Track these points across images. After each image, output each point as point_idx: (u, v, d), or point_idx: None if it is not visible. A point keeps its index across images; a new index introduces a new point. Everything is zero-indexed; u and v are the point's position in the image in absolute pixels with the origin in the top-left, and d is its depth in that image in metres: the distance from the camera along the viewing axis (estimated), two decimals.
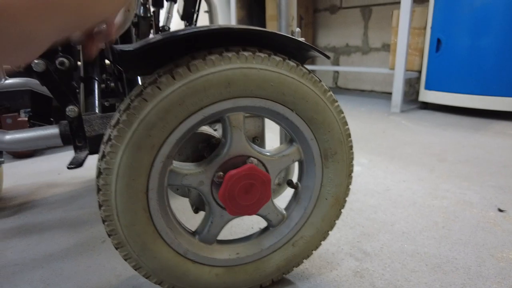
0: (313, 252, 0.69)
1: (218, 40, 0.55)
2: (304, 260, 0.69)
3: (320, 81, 0.60)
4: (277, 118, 0.60)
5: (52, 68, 0.56)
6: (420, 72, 2.65)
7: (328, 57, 0.61)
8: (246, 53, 0.53)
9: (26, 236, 0.92)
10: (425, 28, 2.54)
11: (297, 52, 0.62)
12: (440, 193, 1.13)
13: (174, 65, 0.51)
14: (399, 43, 2.42)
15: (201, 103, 0.52)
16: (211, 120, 0.58)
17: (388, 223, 0.94)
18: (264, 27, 3.57)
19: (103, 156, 0.51)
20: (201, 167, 0.58)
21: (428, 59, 2.48)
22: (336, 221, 0.68)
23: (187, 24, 2.40)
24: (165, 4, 2.08)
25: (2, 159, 1.16)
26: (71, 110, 0.59)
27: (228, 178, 0.56)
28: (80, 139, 0.61)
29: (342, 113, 0.63)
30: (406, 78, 2.51)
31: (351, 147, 0.65)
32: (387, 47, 3.35)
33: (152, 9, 2.14)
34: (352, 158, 0.65)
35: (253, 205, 0.60)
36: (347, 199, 0.68)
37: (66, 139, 0.63)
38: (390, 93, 3.35)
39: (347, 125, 0.64)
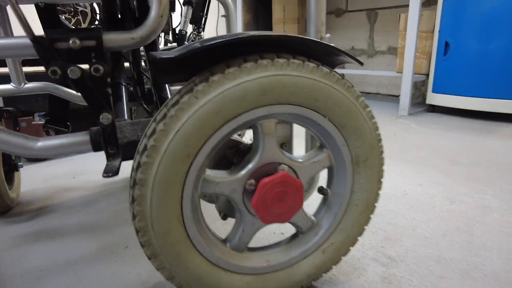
0: (342, 258, 0.69)
1: (250, 47, 0.55)
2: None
3: (353, 86, 0.60)
4: (309, 124, 0.60)
5: (87, 75, 0.56)
6: (427, 75, 2.65)
7: (361, 63, 0.61)
8: (280, 60, 0.53)
9: (47, 241, 0.92)
10: (432, 31, 2.54)
11: (328, 57, 0.62)
12: (457, 197, 1.13)
13: (210, 73, 0.51)
14: (407, 47, 2.42)
15: (237, 111, 0.52)
16: (244, 128, 0.58)
17: (410, 228, 0.94)
18: (270, 30, 3.58)
19: (138, 166, 0.51)
20: (233, 175, 0.58)
21: (435, 62, 2.48)
22: (366, 227, 0.68)
23: (195, 27, 2.41)
24: (182, 8, 2.08)
25: (21, 163, 1.16)
26: (105, 117, 0.58)
27: (262, 186, 0.56)
28: (113, 146, 0.61)
29: (374, 118, 0.63)
30: (413, 81, 2.51)
31: (381, 152, 0.65)
32: (392, 50, 3.35)
33: None
34: (383, 164, 0.65)
35: (286, 212, 0.59)
36: (376, 204, 0.67)
37: (97, 146, 0.63)
38: (396, 96, 3.36)
39: (378, 130, 0.64)
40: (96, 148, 0.64)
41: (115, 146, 0.61)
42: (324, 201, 0.68)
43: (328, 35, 0.71)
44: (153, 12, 0.57)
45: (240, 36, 0.50)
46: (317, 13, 0.70)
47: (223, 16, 2.16)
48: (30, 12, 1.20)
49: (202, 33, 2.56)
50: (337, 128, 0.60)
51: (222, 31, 3.78)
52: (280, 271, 0.65)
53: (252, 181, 0.57)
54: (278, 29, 3.51)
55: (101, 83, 0.57)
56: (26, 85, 1.04)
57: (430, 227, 0.94)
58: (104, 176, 0.56)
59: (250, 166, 0.57)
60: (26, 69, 1.18)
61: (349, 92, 0.59)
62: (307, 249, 0.66)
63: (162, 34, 2.15)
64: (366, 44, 3.57)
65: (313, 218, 0.67)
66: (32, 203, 1.18)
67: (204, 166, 0.54)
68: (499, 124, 2.17)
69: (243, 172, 0.57)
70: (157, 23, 0.57)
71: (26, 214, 1.10)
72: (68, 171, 1.51)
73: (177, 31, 2.14)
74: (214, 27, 3.68)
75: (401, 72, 2.57)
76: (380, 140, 0.64)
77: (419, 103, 3.03)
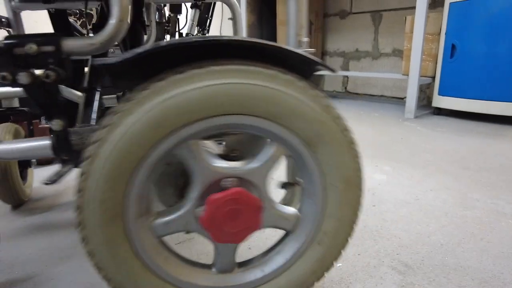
0: (342, 251, 0.62)
1: (220, 51, 0.51)
2: (348, 276, 0.68)
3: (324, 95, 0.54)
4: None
5: (38, 81, 0.54)
6: (433, 77, 2.64)
7: (333, 71, 0.57)
8: (217, 68, 0.47)
9: (69, 235, 0.91)
10: (439, 34, 2.53)
11: (302, 65, 0.57)
12: (470, 202, 1.12)
13: (147, 84, 0.47)
14: (413, 49, 2.41)
15: (172, 125, 0.47)
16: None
17: (424, 235, 0.93)
18: (275, 32, 3.57)
19: (81, 174, 0.47)
20: (179, 210, 0.53)
21: (442, 64, 2.47)
22: (359, 207, 0.60)
23: (200, 29, 2.40)
24: (189, 11, 2.07)
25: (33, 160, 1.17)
26: (55, 123, 0.57)
27: (209, 204, 0.51)
28: (65, 152, 0.59)
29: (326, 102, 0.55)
30: (419, 84, 2.50)
31: (344, 128, 0.56)
32: (397, 53, 3.34)
33: (168, 14, 2.14)
34: (350, 137, 0.57)
35: (242, 230, 0.54)
36: (361, 178, 0.61)
37: (58, 151, 0.61)
38: (400, 98, 3.35)
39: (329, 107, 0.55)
40: (57, 154, 0.62)
41: (68, 153, 0.59)
42: (302, 192, 0.62)
43: (306, 39, 0.69)
44: (113, 17, 0.55)
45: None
46: (297, 16, 0.68)
47: (229, 18, 2.16)
48: (33, 14, 1.18)
49: (206, 35, 2.55)
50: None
51: (227, 33, 3.78)
52: (280, 277, 0.61)
53: (201, 208, 0.52)
54: (282, 31, 3.50)
55: (52, 89, 0.56)
56: None
57: (445, 234, 0.93)
58: (43, 183, 0.55)
59: (191, 195, 0.53)
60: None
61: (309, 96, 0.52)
62: (300, 246, 0.61)
63: (168, 37, 2.14)
64: (371, 46, 3.56)
65: (295, 212, 0.61)
66: (43, 199, 1.22)
67: (147, 188, 0.51)
68: (506, 127, 2.16)
69: (188, 204, 0.53)
70: (116, 28, 0.56)
71: (38, 208, 1.14)
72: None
73: (183, 34, 2.13)
74: (218, 29, 3.68)
75: (407, 75, 2.55)
76: (338, 116, 0.56)
77: (425, 106, 3.02)
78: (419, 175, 1.38)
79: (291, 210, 0.61)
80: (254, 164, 0.54)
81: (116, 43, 0.64)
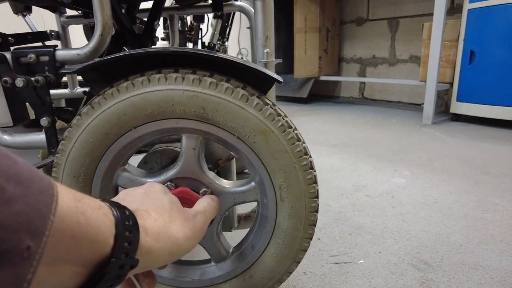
0: (311, 199, 0.54)
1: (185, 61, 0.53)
2: (370, 272, 0.71)
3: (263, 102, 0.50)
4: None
5: (31, 84, 0.63)
6: (451, 84, 2.64)
7: (280, 82, 0.54)
8: (157, 76, 0.49)
9: None
10: (457, 40, 2.54)
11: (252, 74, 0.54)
12: (490, 206, 1.13)
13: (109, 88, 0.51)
14: (431, 55, 2.42)
15: (125, 126, 0.52)
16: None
17: (443, 235, 0.95)
18: (292, 39, 3.63)
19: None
20: (152, 175, 0.57)
21: (460, 71, 2.47)
22: (294, 149, 0.51)
23: (220, 38, 2.48)
24: (211, 20, 2.15)
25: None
26: (44, 120, 0.66)
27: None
28: (53, 146, 0.68)
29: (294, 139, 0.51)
30: (437, 90, 2.51)
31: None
32: (414, 59, 3.35)
33: (190, 23, 2.23)
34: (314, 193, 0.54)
35: None
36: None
37: (48, 144, 0.71)
38: (418, 104, 3.34)
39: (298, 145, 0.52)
40: (48, 146, 0.71)
41: (56, 146, 0.67)
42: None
43: (267, 50, 0.73)
44: (96, 32, 0.63)
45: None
46: (263, 27, 0.73)
47: (248, 28, 2.21)
48: (40, 15, 1.28)
49: (226, 43, 2.64)
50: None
51: (244, 41, 3.86)
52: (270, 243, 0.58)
53: (171, 183, 0.55)
54: (300, 39, 3.56)
55: (42, 91, 0.64)
56: (77, 90, 1.16)
57: (464, 235, 0.95)
58: None
59: (170, 173, 0.55)
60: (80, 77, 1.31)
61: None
62: (270, 210, 0.56)
63: (190, 45, 2.23)
64: (388, 53, 3.57)
65: (249, 182, 0.57)
66: None
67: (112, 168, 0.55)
68: None
69: (163, 174, 0.55)
70: (97, 41, 0.63)
71: None
72: None
73: (205, 42, 2.21)
74: (236, 38, 3.77)
75: (424, 81, 2.56)
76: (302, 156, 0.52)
77: (442, 112, 3.01)
78: (438, 179, 1.39)
79: (244, 182, 0.58)
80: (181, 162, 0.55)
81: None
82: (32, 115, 2.18)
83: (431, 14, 2.39)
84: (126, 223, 0.28)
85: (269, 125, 0.50)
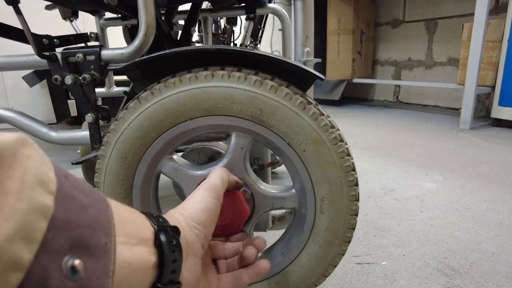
0: (350, 216, 0.53)
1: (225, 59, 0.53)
2: (392, 274, 0.70)
3: (310, 103, 0.50)
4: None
5: (78, 82, 0.67)
6: (493, 87, 2.51)
7: (322, 79, 0.54)
8: (204, 73, 0.50)
9: None
10: (500, 41, 2.41)
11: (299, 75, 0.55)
12: None
13: (157, 83, 0.52)
14: (471, 57, 2.32)
15: (171, 122, 0.52)
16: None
17: (474, 242, 0.91)
18: (324, 42, 3.61)
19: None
20: (197, 168, 0.56)
21: (504, 73, 2.34)
22: (345, 164, 0.51)
23: (252, 40, 2.52)
24: (243, 23, 2.20)
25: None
26: (89, 116, 0.69)
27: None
28: (96, 141, 0.71)
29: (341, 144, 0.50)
30: (477, 93, 2.39)
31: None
32: (453, 61, 3.21)
33: (223, 26, 2.29)
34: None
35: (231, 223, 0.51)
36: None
37: (92, 140, 0.75)
38: (456, 109, 3.20)
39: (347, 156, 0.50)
40: (91, 142, 0.75)
41: (98, 142, 0.70)
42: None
43: (307, 49, 0.73)
44: (140, 32, 0.65)
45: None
46: (303, 27, 0.72)
47: (279, 30, 2.25)
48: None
49: (258, 45, 2.67)
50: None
51: (277, 43, 3.88)
52: (300, 255, 0.57)
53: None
54: (333, 41, 3.53)
55: (88, 89, 0.68)
56: (114, 89, 1.23)
57: (497, 243, 0.91)
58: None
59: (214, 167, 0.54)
60: (116, 77, 1.38)
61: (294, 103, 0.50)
62: (306, 219, 0.56)
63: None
64: (424, 55, 3.45)
65: (289, 188, 0.57)
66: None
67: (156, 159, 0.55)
68: None
69: (206, 168, 0.54)
70: (141, 41, 0.65)
71: None
72: None
73: (237, 45, 2.26)
74: (269, 40, 3.80)
75: (463, 84, 2.45)
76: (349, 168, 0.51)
77: (482, 117, 2.86)
78: (472, 185, 1.33)
79: (285, 188, 0.57)
80: (226, 158, 0.54)
81: None
82: (72, 113, 2.33)
83: (473, 14, 2.28)
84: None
85: (322, 135, 0.49)
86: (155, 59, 0.52)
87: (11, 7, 0.65)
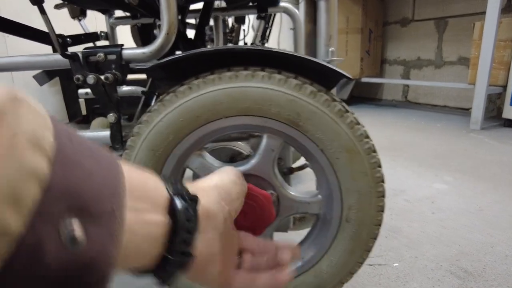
0: (375, 226, 0.54)
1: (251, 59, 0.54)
2: (405, 276, 0.70)
3: (334, 100, 0.51)
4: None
5: (100, 82, 0.66)
6: (505, 87, 2.47)
7: (350, 79, 0.55)
8: (228, 74, 0.51)
9: None
10: None
11: (323, 74, 0.55)
12: None
13: (180, 85, 0.52)
14: (482, 57, 2.29)
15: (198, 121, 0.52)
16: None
17: (488, 244, 0.90)
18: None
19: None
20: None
21: None
22: (376, 175, 0.52)
23: (261, 39, 2.52)
24: (251, 21, 2.20)
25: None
26: (111, 116, 0.68)
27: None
28: (117, 142, 0.69)
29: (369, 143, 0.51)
30: (488, 93, 2.36)
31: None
32: (463, 61, 3.17)
33: (231, 25, 2.29)
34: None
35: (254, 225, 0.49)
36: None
37: (113, 140, 0.73)
38: (466, 109, 3.16)
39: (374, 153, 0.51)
40: (112, 142, 0.73)
41: (119, 142, 0.69)
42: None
43: (332, 48, 0.72)
44: (161, 31, 0.64)
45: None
46: (326, 26, 0.71)
47: (291, 29, 2.25)
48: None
49: (266, 44, 2.66)
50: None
51: (284, 42, 3.87)
52: (320, 261, 0.57)
53: None
54: (341, 40, 3.51)
55: (110, 88, 0.67)
56: (124, 89, 1.23)
57: (511, 246, 0.90)
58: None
59: (241, 168, 0.53)
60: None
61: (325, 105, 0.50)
62: (330, 226, 0.55)
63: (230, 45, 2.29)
64: (434, 55, 3.41)
65: (314, 194, 0.56)
66: None
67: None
68: None
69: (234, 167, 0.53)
70: (163, 40, 0.64)
71: None
72: None
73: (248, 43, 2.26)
74: (276, 39, 3.79)
75: (473, 84, 2.42)
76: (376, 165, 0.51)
77: (494, 117, 2.82)
78: (483, 186, 1.32)
79: (310, 193, 0.57)
80: (255, 159, 0.54)
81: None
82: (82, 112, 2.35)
83: (484, 13, 2.25)
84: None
85: (357, 145, 0.49)
86: (180, 60, 0.52)
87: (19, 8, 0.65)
